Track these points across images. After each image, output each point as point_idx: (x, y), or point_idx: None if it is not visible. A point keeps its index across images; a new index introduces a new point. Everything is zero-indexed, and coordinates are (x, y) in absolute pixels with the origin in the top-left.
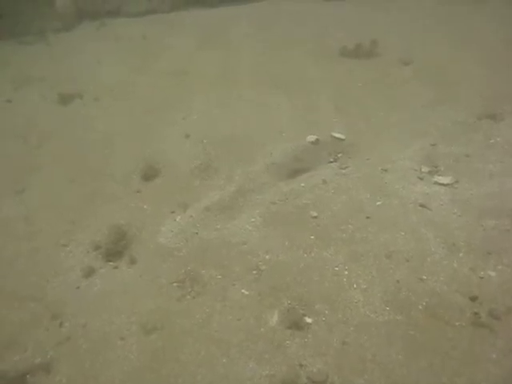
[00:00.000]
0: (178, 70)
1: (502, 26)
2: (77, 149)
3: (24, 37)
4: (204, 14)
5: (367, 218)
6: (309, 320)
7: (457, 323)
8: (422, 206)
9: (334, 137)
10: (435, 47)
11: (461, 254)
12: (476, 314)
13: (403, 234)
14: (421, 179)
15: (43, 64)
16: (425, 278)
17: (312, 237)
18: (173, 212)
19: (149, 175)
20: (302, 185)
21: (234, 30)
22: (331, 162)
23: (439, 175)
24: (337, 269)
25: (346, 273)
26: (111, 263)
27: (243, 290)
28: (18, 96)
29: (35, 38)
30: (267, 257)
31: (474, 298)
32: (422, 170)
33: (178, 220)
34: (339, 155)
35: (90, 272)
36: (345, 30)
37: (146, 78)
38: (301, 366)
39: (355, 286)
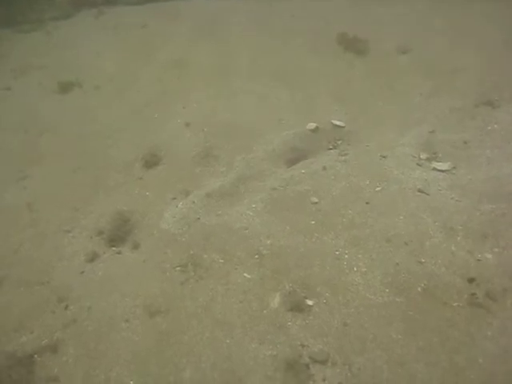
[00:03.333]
0: (177, 60)
1: (502, 17)
2: (78, 137)
3: (22, 25)
4: (202, 3)
5: (367, 203)
6: (310, 302)
7: (455, 304)
8: (420, 191)
9: (334, 124)
10: (434, 38)
11: (458, 238)
12: (473, 294)
13: (402, 218)
14: (419, 165)
15: (42, 53)
16: (423, 260)
17: (313, 222)
18: (175, 198)
19: (150, 163)
20: (303, 171)
21: (233, 20)
22: (331, 148)
23: (437, 161)
24: (337, 253)
25: (347, 256)
26: (114, 248)
27: (245, 274)
28: (17, 84)
29: (33, 26)
30: (269, 241)
31: (471, 280)
32: (421, 156)
33: (179, 206)
34: (339, 142)
35: (93, 257)
36: (343, 22)
37: (145, 68)
38: (303, 346)
39: (355, 269)
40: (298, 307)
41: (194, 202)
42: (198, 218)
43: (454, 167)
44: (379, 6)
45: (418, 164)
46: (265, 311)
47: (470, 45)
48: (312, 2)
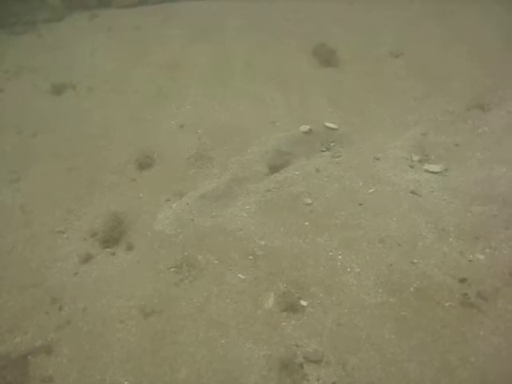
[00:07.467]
0: (171, 62)
1: (494, 21)
2: (72, 139)
3: (14, 27)
4: (196, 5)
5: (360, 204)
6: (304, 303)
7: (447, 304)
8: (413, 193)
9: (327, 127)
10: (427, 42)
11: (450, 239)
12: (465, 295)
13: (395, 219)
14: (412, 167)
15: (35, 54)
16: (416, 261)
17: (306, 223)
18: (168, 200)
19: (144, 164)
20: (296, 173)
21: (227, 23)
22: (324, 151)
23: (429, 163)
24: (331, 254)
25: (340, 257)
26: (108, 249)
27: (240, 275)
28: (10, 86)
29: (26, 28)
30: (263, 243)
31: (463, 280)
32: (413, 158)
33: (173, 207)
34: (332, 144)
35: (87, 258)
36: (338, 26)
37: (139, 70)
38: (297, 346)
39: (349, 269)
40: (292, 307)
41: (187, 204)
42: (192, 220)
43: (446, 169)
44: (373, 8)
45: (410, 166)
46: (259, 311)
47: (464, 48)
48: (306, 5)
